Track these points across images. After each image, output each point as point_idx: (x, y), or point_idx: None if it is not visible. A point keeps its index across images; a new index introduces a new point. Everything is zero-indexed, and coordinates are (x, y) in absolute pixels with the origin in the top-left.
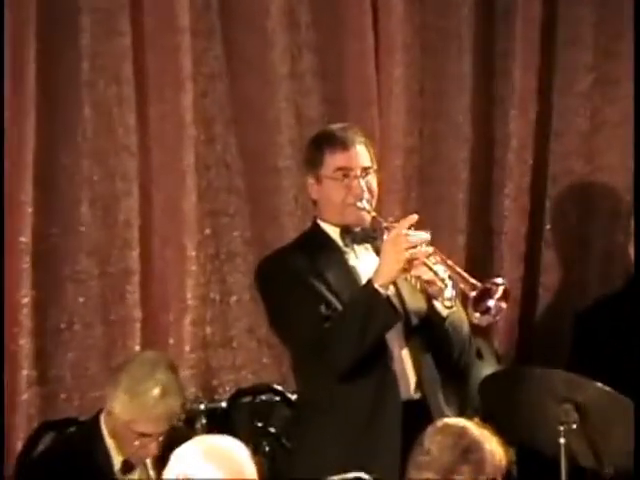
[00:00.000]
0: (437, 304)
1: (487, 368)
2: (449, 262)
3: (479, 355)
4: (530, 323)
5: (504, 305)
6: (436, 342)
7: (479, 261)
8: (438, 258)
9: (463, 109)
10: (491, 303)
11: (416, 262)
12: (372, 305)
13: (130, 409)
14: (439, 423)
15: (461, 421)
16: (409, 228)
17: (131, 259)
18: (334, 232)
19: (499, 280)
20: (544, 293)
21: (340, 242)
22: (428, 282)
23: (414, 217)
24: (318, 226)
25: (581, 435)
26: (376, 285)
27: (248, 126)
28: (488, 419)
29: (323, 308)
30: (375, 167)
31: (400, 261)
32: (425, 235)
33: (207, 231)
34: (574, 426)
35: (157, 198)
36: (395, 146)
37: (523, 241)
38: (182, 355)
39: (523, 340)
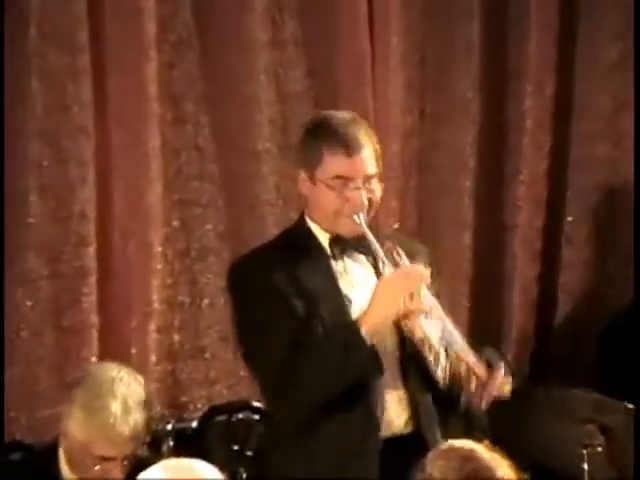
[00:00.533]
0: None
1: None
2: (449, 326)
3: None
4: (547, 332)
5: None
6: (434, 381)
7: (488, 260)
8: (437, 315)
9: (470, 84)
10: (489, 393)
11: (411, 315)
12: (354, 351)
13: (88, 428)
14: (443, 446)
15: (468, 443)
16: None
17: (87, 257)
18: (323, 236)
19: (502, 371)
20: (564, 297)
21: (328, 250)
22: (421, 342)
23: (426, 271)
24: (305, 224)
25: (607, 459)
26: (362, 330)
27: (222, 103)
28: (499, 441)
29: (299, 330)
30: (380, 170)
31: (393, 311)
32: (427, 279)
33: (175, 224)
34: (599, 449)
35: (117, 186)
36: (392, 127)
37: (539, 236)
38: (146, 367)
39: (539, 352)
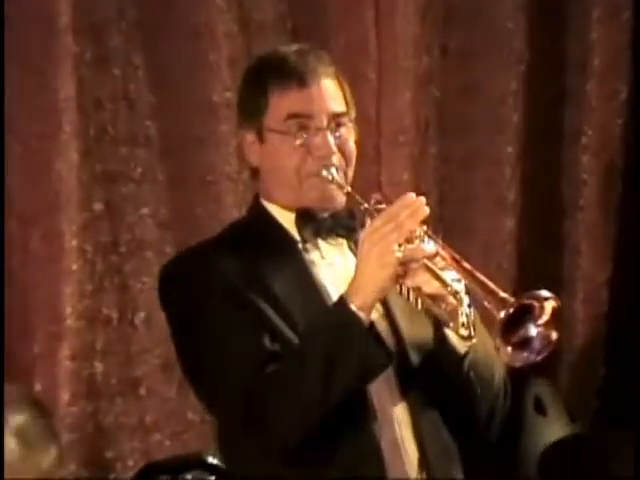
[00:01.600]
0: (450, 333)
1: (553, 429)
2: (465, 264)
3: (539, 408)
4: (621, 356)
5: (554, 335)
6: (451, 395)
7: (540, 256)
8: (447, 258)
9: (512, 9)
10: (532, 331)
11: (414, 266)
12: (345, 338)
13: None
14: None
15: None
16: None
17: None
18: (287, 219)
19: (545, 293)
20: None
21: (297, 235)
22: (433, 298)
23: (420, 200)
24: (262, 209)
25: None
26: (352, 306)
27: (163, 36)
28: None
29: (267, 340)
30: (352, 115)
31: (388, 266)
32: (424, 212)
33: (97, 207)
34: None
35: (13, 152)
36: (402, 70)
37: (611, 223)
38: (55, 408)
39: (610, 383)
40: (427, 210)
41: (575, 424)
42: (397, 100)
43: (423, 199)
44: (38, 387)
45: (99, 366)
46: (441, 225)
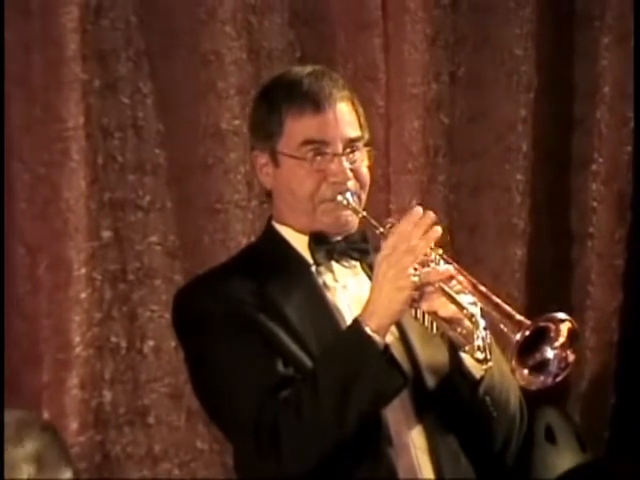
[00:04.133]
0: (465, 357)
1: (564, 459)
2: (480, 287)
3: (549, 437)
4: (633, 385)
5: (571, 357)
6: (467, 419)
7: (549, 284)
8: (463, 281)
9: (522, 36)
10: (549, 354)
11: (430, 290)
12: (360, 361)
13: None
14: None
15: None
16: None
17: None
18: (300, 242)
19: (561, 315)
20: None
21: (309, 258)
22: (449, 321)
23: (429, 216)
24: (274, 232)
25: None
26: (367, 329)
27: (171, 63)
28: None
29: (279, 365)
30: (366, 137)
31: (404, 289)
32: (436, 231)
33: (106, 235)
34: None
35: (20, 180)
36: (411, 98)
37: (622, 250)
38: (64, 438)
39: (622, 412)
40: (439, 230)
41: (586, 453)
42: (406, 127)
43: (432, 214)
44: (46, 416)
45: (107, 395)
46: (450, 253)
